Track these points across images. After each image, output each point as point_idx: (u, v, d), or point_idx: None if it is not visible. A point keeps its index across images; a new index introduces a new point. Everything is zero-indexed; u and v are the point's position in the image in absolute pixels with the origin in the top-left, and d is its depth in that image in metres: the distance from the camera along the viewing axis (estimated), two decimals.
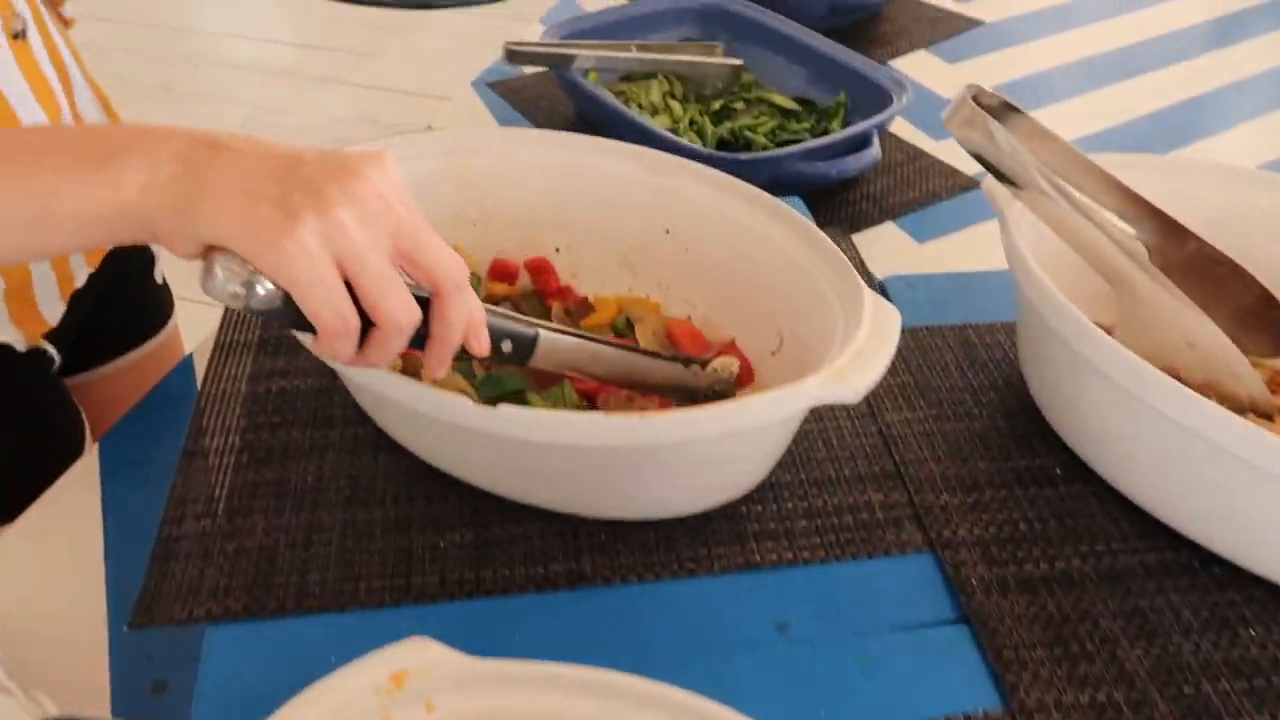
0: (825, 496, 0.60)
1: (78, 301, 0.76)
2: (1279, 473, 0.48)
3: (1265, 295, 0.64)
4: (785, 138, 1.00)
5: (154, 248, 0.90)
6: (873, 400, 0.67)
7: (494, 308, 0.51)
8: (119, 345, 0.87)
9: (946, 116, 0.62)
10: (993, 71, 1.20)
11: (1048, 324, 0.56)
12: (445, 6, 3.33)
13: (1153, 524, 0.58)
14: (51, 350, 0.74)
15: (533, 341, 0.52)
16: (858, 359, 0.50)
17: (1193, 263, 0.63)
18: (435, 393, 0.49)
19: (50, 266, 0.72)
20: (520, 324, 0.52)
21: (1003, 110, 0.63)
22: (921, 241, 0.92)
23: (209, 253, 0.41)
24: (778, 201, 0.63)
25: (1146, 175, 0.66)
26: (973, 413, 0.66)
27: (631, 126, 0.93)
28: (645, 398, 0.62)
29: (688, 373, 0.58)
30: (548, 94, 1.11)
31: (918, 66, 1.21)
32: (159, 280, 0.92)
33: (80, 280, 0.77)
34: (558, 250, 0.71)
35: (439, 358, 0.46)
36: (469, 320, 0.45)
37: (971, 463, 0.62)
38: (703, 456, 0.52)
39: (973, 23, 1.30)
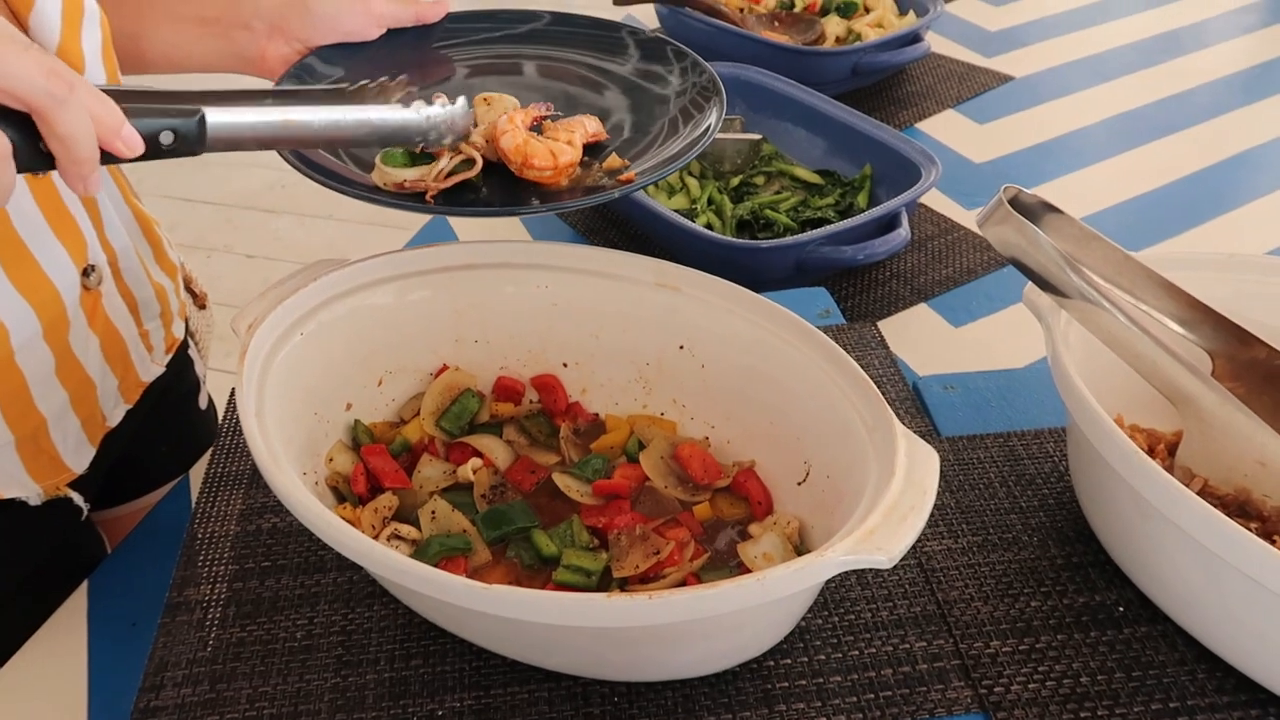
0: (861, 645, 0.54)
1: (111, 440, 0.68)
2: None
3: None
4: (808, 215, 0.95)
5: (199, 373, 0.82)
6: None
7: (144, 88, 0.44)
8: (157, 479, 0.78)
9: (980, 220, 0.57)
10: (1025, 131, 1.14)
11: (1106, 462, 0.50)
12: None
13: (1235, 677, 0.51)
14: (78, 499, 0.66)
15: (200, 125, 0.45)
16: (891, 517, 0.44)
17: (1261, 372, 0.57)
18: (423, 569, 0.44)
19: (74, 411, 0.64)
20: (177, 108, 0.44)
21: (1042, 211, 0.57)
22: (957, 326, 0.86)
23: None
24: (798, 319, 0.57)
25: (1205, 275, 0.60)
26: (1021, 539, 0.60)
27: (646, 211, 0.89)
28: (660, 533, 0.57)
29: (417, 117, 0.55)
30: None
31: (946, 128, 1.16)
32: (203, 405, 0.83)
33: (114, 420, 0.68)
34: (565, 366, 0.66)
35: (76, 177, 0.41)
36: (91, 130, 0.41)
37: (1023, 601, 0.56)
38: (722, 625, 0.47)
39: (1002, 78, 1.25)
